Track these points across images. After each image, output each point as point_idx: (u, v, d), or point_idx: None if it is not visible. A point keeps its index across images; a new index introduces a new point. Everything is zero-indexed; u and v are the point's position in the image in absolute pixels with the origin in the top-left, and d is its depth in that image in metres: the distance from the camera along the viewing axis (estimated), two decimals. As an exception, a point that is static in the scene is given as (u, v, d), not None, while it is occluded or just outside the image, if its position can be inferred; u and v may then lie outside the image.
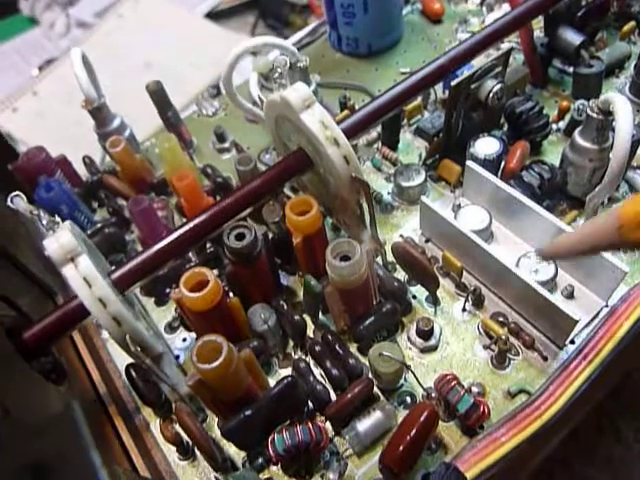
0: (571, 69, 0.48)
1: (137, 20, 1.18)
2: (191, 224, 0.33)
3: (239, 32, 1.07)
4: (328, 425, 0.33)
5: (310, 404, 0.33)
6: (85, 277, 0.27)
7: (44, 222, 0.27)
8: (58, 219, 0.27)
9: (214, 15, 1.14)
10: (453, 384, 0.31)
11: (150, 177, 0.45)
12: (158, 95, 0.45)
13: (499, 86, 0.40)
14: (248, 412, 0.30)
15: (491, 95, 0.40)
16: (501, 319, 0.36)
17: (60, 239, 0.28)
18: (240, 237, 0.33)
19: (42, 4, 1.29)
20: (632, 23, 0.50)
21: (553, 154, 0.44)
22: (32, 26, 1.22)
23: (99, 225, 0.41)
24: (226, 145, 0.48)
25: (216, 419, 0.34)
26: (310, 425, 0.31)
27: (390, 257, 0.38)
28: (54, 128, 0.96)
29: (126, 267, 0.32)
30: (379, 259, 0.39)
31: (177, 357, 0.37)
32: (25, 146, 0.94)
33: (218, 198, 0.44)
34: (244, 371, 0.30)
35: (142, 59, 1.06)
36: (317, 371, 0.34)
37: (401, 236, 0.41)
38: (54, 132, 0.96)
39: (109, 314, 0.27)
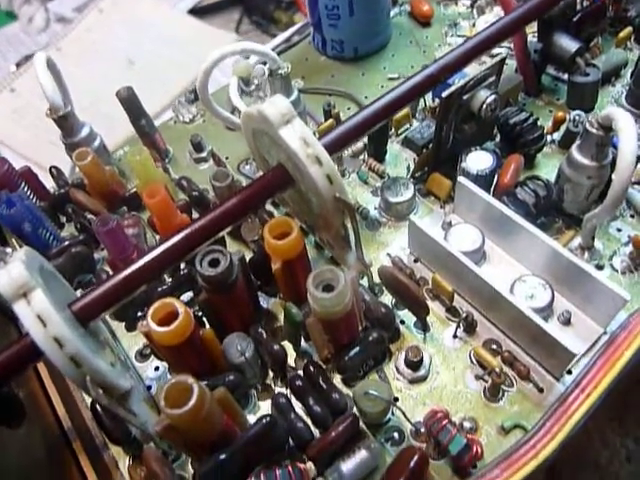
0: (565, 76, 0.46)
1: (118, 16, 1.14)
2: (163, 247, 0.31)
3: (223, 29, 1.04)
4: (310, 465, 0.30)
5: (291, 442, 0.31)
6: (39, 314, 0.25)
7: (-7, 253, 0.25)
8: (9, 249, 0.24)
9: (198, 11, 1.11)
10: (444, 423, 0.29)
11: (122, 190, 0.42)
12: (130, 102, 0.42)
13: (493, 97, 0.37)
14: (223, 456, 0.27)
15: (484, 107, 0.37)
16: (494, 347, 0.34)
17: (11, 272, 0.25)
18: (214, 263, 0.31)
19: (20, -3, 1.24)
20: (629, 29, 0.48)
21: (548, 167, 0.42)
22: (10, 20, 1.17)
23: (66, 243, 0.38)
24: (203, 155, 0.46)
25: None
26: (290, 468, 0.28)
27: (377, 278, 0.36)
28: (32, 126, 0.92)
29: (90, 296, 0.29)
30: (365, 281, 0.36)
31: (149, 387, 0.35)
32: (1, 144, 0.91)
33: (194, 214, 0.41)
34: (219, 412, 0.27)
35: (124, 56, 1.03)
36: (298, 405, 0.32)
37: (388, 255, 0.39)
38: (32, 130, 0.92)
39: (66, 354, 0.25)
